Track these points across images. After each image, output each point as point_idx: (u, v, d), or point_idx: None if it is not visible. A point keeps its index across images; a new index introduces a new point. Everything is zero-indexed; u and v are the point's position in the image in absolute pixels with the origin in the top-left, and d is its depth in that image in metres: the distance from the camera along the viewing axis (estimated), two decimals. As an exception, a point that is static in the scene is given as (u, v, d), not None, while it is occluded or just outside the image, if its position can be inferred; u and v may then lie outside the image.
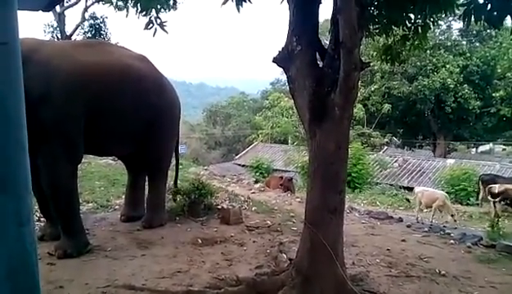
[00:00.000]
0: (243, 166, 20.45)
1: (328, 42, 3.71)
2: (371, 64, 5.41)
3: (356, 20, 3.16)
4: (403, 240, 5.82)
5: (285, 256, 4.67)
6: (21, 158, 1.12)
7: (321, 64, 3.74)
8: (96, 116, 4.72)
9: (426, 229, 6.63)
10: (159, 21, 5.28)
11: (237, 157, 24.22)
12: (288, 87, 4.10)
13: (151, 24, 5.29)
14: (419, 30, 4.08)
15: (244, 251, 4.93)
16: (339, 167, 3.70)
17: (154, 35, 5.34)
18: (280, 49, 3.90)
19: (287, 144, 24.49)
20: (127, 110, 4.99)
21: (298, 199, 7.85)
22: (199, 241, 5.21)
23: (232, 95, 41.48)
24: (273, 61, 3.97)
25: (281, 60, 3.87)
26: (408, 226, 6.82)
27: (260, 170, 18.11)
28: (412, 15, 4.00)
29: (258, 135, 26.82)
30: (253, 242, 5.27)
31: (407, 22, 4.03)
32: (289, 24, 3.76)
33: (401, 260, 4.89)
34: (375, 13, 3.97)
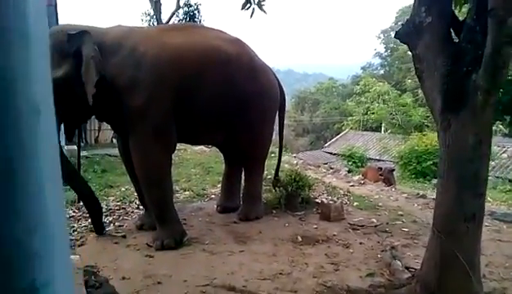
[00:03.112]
0: (334, 154, 19.70)
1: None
2: None
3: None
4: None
5: (399, 263, 4.07)
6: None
7: (456, 39, 3.07)
8: (184, 100, 4.51)
9: None
10: (256, 0, 4.91)
11: (326, 144, 23.51)
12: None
13: (249, 4, 4.93)
14: None
15: (350, 254, 4.42)
16: (480, 166, 3.03)
17: (251, 16, 4.98)
18: (405, 22, 3.29)
19: (379, 131, 23.26)
20: (216, 94, 4.68)
21: (405, 195, 7.09)
22: (299, 239, 4.81)
23: (320, 80, 40.55)
24: (396, 37, 3.38)
25: (406, 34, 3.25)
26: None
27: (353, 159, 17.25)
28: None
29: (349, 122, 25.83)
30: (360, 243, 4.73)
31: None
32: (416, -8, 3.14)
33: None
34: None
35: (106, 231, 4.87)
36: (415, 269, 3.84)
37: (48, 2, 7.36)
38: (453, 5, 3.30)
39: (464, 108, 2.94)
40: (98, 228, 4.76)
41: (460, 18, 3.24)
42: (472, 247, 3.08)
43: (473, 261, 3.07)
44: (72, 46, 4.09)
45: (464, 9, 3.45)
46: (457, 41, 3.10)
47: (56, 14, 8.36)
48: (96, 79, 4.04)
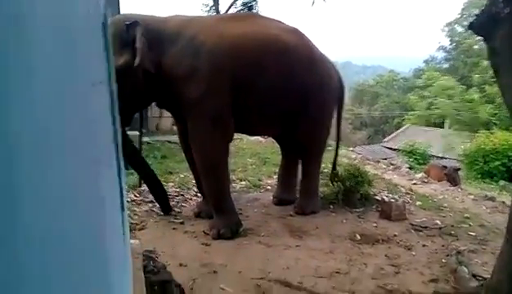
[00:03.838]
0: (393, 149, 18.97)
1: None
2: None
3: None
4: None
5: (466, 269, 3.81)
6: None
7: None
8: (242, 89, 4.47)
9: None
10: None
11: (386, 139, 22.73)
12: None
13: (309, -8, 4.76)
14: None
15: (412, 257, 4.19)
16: None
17: (312, 4, 4.84)
18: (480, 12, 3.02)
19: (442, 128, 22.14)
20: (273, 84, 4.59)
21: (472, 196, 6.65)
22: (358, 237, 4.64)
23: (380, 73, 39.28)
24: (469, 28, 3.12)
25: (481, 26, 2.98)
26: None
27: (414, 155, 16.51)
28: None
29: (410, 117, 24.82)
30: (423, 246, 4.49)
31: None
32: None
33: None
34: None
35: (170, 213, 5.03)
36: (484, 278, 3.57)
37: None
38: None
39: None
40: (165, 208, 4.95)
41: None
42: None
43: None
44: (129, 36, 4.18)
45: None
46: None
47: (118, 3, 8.59)
48: (145, 66, 4.13)
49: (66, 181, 0.59)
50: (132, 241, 3.17)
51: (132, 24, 4.19)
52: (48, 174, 0.55)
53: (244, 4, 15.32)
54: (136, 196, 5.51)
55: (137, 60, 4.10)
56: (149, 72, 4.20)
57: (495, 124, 17.90)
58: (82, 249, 0.69)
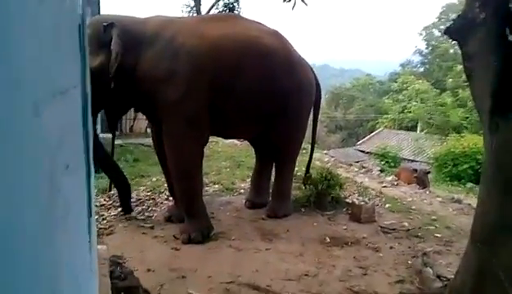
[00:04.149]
0: (366, 152, 19.30)
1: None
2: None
3: None
4: None
5: (431, 271, 3.91)
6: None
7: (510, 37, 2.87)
8: (221, 91, 4.46)
9: None
10: (298, -8, 4.80)
11: (359, 142, 23.09)
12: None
13: (291, -4, 4.82)
14: None
15: (380, 259, 4.28)
16: (529, 174, 2.83)
17: (293, 8, 4.90)
18: (456, 18, 3.11)
19: (415, 131, 22.63)
20: (252, 86, 4.59)
21: (439, 199, 6.82)
22: (328, 239, 4.70)
23: (357, 76, 39.82)
24: (445, 33, 3.20)
25: (457, 31, 3.07)
26: None
27: (386, 158, 16.83)
28: None
29: (383, 121, 25.26)
30: (390, 247, 4.58)
31: None
32: (470, -15, 2.96)
33: None
34: None
35: (133, 216, 5.00)
36: (448, 279, 3.67)
37: (88, -8, 7.48)
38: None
39: (516, 111, 2.76)
40: (126, 208, 4.93)
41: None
42: (513, 262, 2.90)
43: (512, 276, 2.89)
44: (106, 36, 4.13)
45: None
46: (512, 39, 2.90)
47: (99, 3, 8.49)
48: (112, 71, 4.08)
49: (27, 184, 0.58)
50: (99, 246, 3.13)
51: (109, 25, 4.15)
52: (8, 175, 0.54)
53: (225, 5, 15.35)
54: (105, 200, 5.45)
55: (112, 62, 4.06)
56: (124, 73, 4.14)
57: (466, 128, 18.38)
58: (43, 254, 0.68)
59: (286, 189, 5.50)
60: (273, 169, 5.65)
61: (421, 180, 8.29)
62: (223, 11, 15.16)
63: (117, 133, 5.76)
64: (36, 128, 0.61)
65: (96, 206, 4.89)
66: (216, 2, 15.40)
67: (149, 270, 3.71)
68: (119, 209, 5.00)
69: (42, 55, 0.67)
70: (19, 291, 0.55)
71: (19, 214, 0.55)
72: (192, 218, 4.55)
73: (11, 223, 0.53)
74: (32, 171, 0.60)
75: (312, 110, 5.55)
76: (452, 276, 3.44)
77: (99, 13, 8.42)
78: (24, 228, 0.57)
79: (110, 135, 5.33)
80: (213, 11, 15.30)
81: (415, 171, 8.99)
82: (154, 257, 4.00)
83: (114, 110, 4.57)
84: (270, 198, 5.58)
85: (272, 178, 5.67)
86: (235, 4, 15.21)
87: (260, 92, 4.67)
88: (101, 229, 4.45)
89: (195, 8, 15.70)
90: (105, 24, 4.15)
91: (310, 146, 6.03)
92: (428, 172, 9.63)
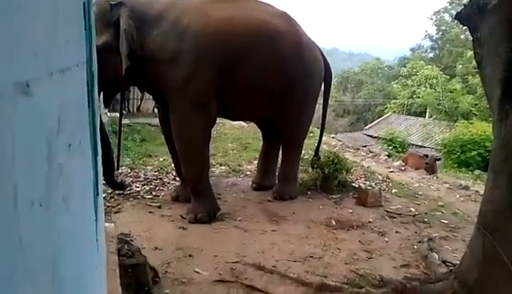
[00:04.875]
0: (374, 137, 19.21)
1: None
2: None
3: None
4: None
5: (436, 256, 3.92)
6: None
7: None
8: (227, 74, 4.42)
9: None
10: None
11: (367, 127, 22.97)
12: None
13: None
14: None
15: (385, 243, 4.29)
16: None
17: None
18: (467, 3, 3.05)
19: (424, 117, 22.42)
20: (259, 69, 4.56)
21: (447, 185, 6.79)
22: (333, 222, 4.71)
23: (366, 60, 39.35)
24: (456, 18, 3.15)
25: (468, 17, 3.01)
26: None
27: (394, 143, 16.74)
28: None
29: (392, 106, 25.01)
30: (396, 232, 4.58)
31: None
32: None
33: None
34: None
35: (140, 195, 5.01)
36: (453, 264, 3.69)
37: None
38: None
39: (525, 98, 2.72)
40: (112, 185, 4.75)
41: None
42: (519, 248, 2.89)
43: (518, 263, 2.88)
44: (113, 16, 4.10)
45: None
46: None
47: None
48: (126, 53, 4.04)
49: (20, 166, 0.57)
50: (106, 224, 3.17)
51: (118, 4, 4.11)
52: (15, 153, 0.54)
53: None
54: (113, 179, 5.47)
55: (124, 45, 4.03)
56: (131, 54, 4.11)
57: (475, 115, 18.16)
58: (42, 234, 0.68)
59: (293, 172, 5.50)
60: (280, 151, 5.64)
61: (431, 167, 8.27)
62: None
63: (124, 112, 5.76)
64: (28, 108, 0.59)
65: (104, 184, 4.92)
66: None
67: (156, 248, 3.74)
68: (127, 188, 5.02)
69: (34, 34, 0.65)
70: (17, 271, 0.55)
71: (14, 199, 0.54)
72: (199, 198, 4.58)
73: (6, 208, 0.52)
74: (25, 151, 0.58)
75: (320, 93, 5.50)
76: (458, 262, 3.46)
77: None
78: (21, 211, 0.56)
79: (117, 115, 5.34)
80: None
81: (426, 156, 8.96)
82: (162, 236, 4.04)
83: (113, 88, 4.50)
84: (276, 181, 5.59)
85: (279, 160, 5.67)
86: None
87: (268, 74, 4.63)
88: (108, 207, 4.49)
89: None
90: (112, 2, 4.11)
91: (318, 129, 6.00)
92: (439, 159, 9.58)
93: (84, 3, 1.19)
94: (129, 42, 4.05)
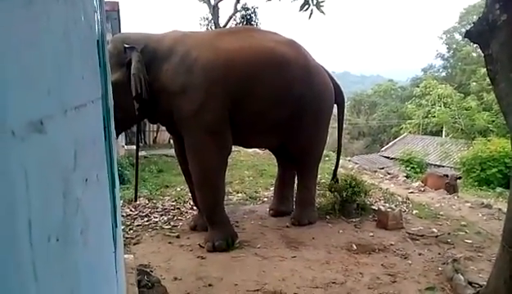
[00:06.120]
0: (391, 158, 19.01)
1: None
2: None
3: None
4: None
5: (462, 277, 3.80)
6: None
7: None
8: (239, 103, 4.49)
9: None
10: (315, 1, 4.81)
11: (383, 148, 22.77)
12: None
13: (307, 5, 4.84)
14: None
15: (409, 266, 4.19)
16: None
17: (310, 17, 4.88)
18: (476, 20, 3.06)
19: (440, 136, 22.19)
20: (270, 97, 4.62)
21: (468, 204, 6.64)
22: (354, 247, 4.63)
23: (378, 83, 39.43)
24: (466, 36, 3.15)
25: (478, 34, 3.02)
26: None
27: (412, 164, 16.55)
28: None
29: (407, 126, 24.87)
30: (419, 254, 4.48)
31: None
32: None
33: None
34: None
35: (159, 226, 5.04)
36: (480, 285, 3.57)
37: (111, 7, 7.68)
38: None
39: (542, 113, 2.69)
40: None
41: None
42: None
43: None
44: (126, 57, 4.27)
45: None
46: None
47: (119, 19, 8.72)
48: (134, 95, 4.18)
49: (35, 202, 0.55)
50: (126, 256, 3.18)
51: (130, 48, 4.28)
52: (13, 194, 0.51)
53: (242, 17, 15.49)
54: (131, 210, 5.52)
55: (133, 88, 4.18)
56: (139, 96, 4.24)
57: (492, 131, 17.93)
58: (60, 270, 0.68)
59: (310, 197, 5.46)
60: (296, 177, 5.62)
61: (452, 186, 8.12)
62: (241, 22, 15.29)
63: (141, 145, 5.84)
64: (41, 144, 0.59)
65: (123, 216, 4.96)
66: (233, 14, 15.58)
67: (175, 279, 3.72)
68: (146, 219, 5.06)
69: (47, 70, 0.66)
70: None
71: (29, 235, 0.53)
72: (215, 226, 4.57)
73: (20, 244, 0.51)
74: (40, 187, 0.58)
75: (332, 116, 5.52)
76: (484, 282, 3.36)
77: (119, 29, 8.61)
78: (37, 247, 0.54)
79: (133, 147, 5.42)
80: (231, 23, 15.46)
81: (447, 176, 8.82)
82: (181, 266, 4.02)
83: (125, 122, 4.59)
84: (294, 206, 5.55)
85: (295, 186, 5.65)
86: (253, 15, 15.33)
87: (277, 102, 4.69)
88: (127, 238, 4.51)
89: (212, 21, 15.89)
90: (126, 45, 4.28)
91: (334, 153, 5.99)
92: (460, 178, 9.42)
93: (98, 40, 1.23)
94: (136, 86, 4.19)
